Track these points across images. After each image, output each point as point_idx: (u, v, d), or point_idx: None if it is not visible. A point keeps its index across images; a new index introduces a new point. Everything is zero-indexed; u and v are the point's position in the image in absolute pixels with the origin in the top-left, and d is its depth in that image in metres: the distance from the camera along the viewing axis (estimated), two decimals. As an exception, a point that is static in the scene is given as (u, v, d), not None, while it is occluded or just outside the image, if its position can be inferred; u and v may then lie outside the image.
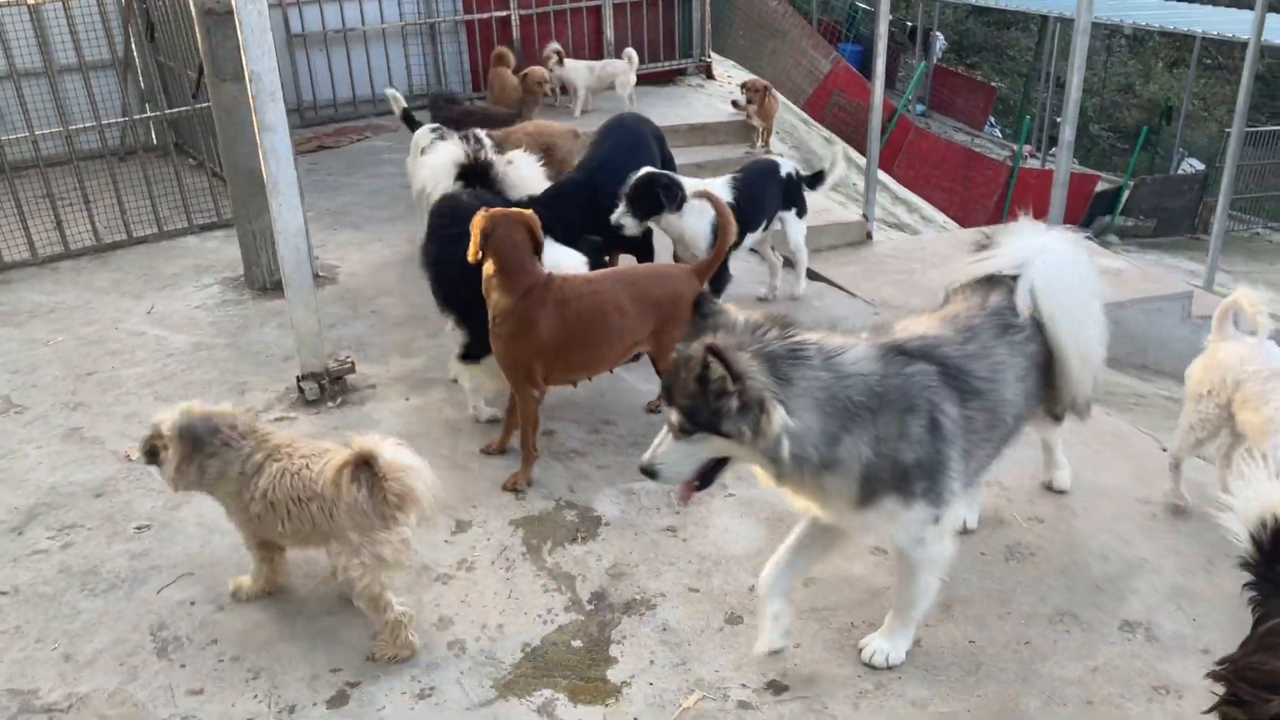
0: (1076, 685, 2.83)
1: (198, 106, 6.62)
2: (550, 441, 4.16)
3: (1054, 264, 2.99)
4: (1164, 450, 3.93)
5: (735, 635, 3.09)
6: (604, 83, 9.17)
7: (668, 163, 5.38)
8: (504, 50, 8.67)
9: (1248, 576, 2.24)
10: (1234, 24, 20.40)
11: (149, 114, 7.44)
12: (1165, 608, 3.09)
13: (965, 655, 2.96)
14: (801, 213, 5.65)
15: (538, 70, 7.95)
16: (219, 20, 5.15)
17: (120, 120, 7.37)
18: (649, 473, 2.59)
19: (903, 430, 2.56)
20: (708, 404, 2.44)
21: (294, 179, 4.22)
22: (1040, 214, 5.74)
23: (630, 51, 9.34)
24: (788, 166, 5.66)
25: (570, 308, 3.70)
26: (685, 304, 3.44)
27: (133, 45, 8.05)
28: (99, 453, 4.20)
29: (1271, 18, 21.47)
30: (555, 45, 9.12)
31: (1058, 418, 3.38)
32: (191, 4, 5.24)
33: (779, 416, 2.42)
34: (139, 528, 3.70)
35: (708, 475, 2.63)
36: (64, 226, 6.35)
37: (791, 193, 5.54)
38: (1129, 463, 3.85)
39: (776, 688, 2.89)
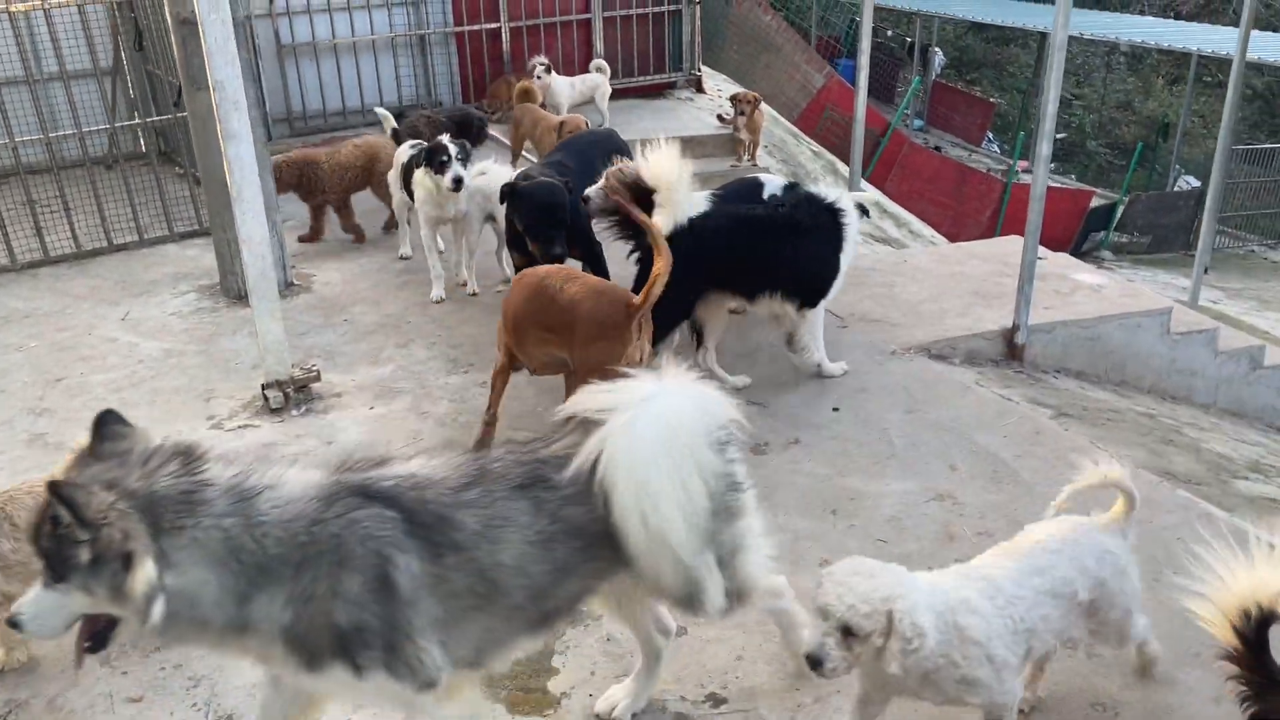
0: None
1: (179, 115, 6.65)
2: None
3: (639, 423, 2.25)
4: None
5: (677, 648, 3.08)
6: (585, 96, 9.19)
7: None
8: (530, 85, 8.46)
9: (1231, 670, 2.15)
10: (1229, 42, 20.45)
11: (132, 121, 7.46)
12: (1107, 624, 3.09)
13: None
14: None
15: (575, 119, 7.73)
16: (194, 30, 5.16)
17: (103, 128, 7.40)
18: (12, 624, 2.08)
19: (335, 588, 2.08)
20: (59, 551, 1.97)
21: (258, 188, 4.25)
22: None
23: (601, 62, 9.36)
24: (772, 186, 5.27)
25: (532, 294, 3.84)
26: (604, 329, 3.55)
27: (122, 54, 8.09)
28: (60, 458, 4.20)
29: (1264, 35, 21.60)
30: (542, 58, 9.16)
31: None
32: (168, 13, 5.27)
33: (145, 574, 1.94)
34: (94, 534, 3.71)
35: (99, 634, 2.08)
36: (44, 234, 6.39)
37: None
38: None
39: (715, 700, 2.90)
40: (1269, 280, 19.15)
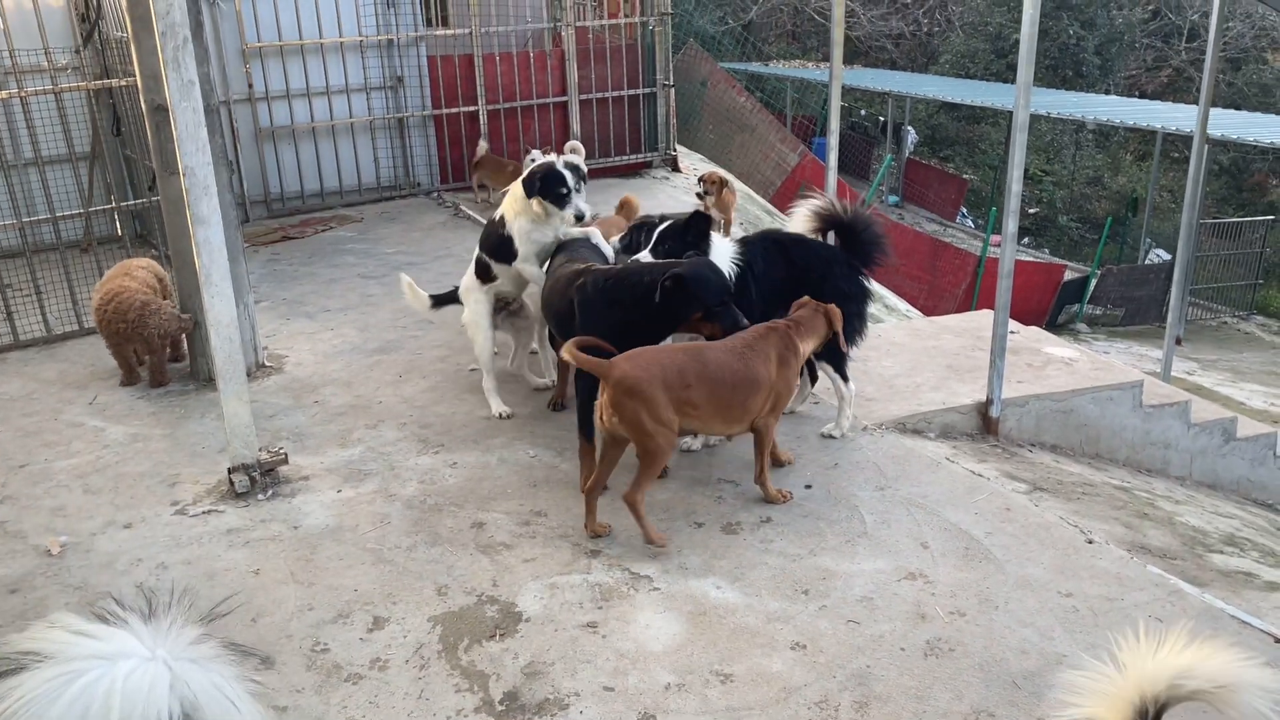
0: (988, 788, 2.76)
1: (154, 199, 6.69)
2: (480, 533, 4.12)
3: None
4: (1089, 542, 3.91)
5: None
6: None
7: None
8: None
9: None
10: (1192, 120, 20.98)
11: (107, 205, 7.50)
12: (1082, 706, 3.03)
13: (878, 756, 2.90)
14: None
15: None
16: (167, 116, 5.22)
17: (76, 213, 7.43)
18: None
19: None
20: None
21: (227, 271, 4.25)
22: (1011, 299, 5.82)
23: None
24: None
25: None
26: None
27: (100, 139, 8.16)
28: (20, 547, 4.13)
29: (1225, 113, 22.19)
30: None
31: None
32: (141, 100, 5.33)
33: None
34: (50, 625, 3.62)
35: None
36: (14, 318, 6.35)
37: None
38: (1053, 554, 3.83)
39: (684, 792, 2.82)
40: (1242, 351, 19.38)
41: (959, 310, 16.10)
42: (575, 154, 9.29)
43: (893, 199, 25.36)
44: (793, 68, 28.12)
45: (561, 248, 4.94)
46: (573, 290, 4.34)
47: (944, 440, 5.36)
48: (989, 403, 5.79)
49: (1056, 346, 7.78)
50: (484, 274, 5.22)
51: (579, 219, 4.85)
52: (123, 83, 6.97)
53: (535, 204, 4.86)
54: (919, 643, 3.34)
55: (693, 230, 4.56)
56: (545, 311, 4.81)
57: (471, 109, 10.18)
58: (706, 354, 3.90)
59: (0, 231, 6.50)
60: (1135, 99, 27.11)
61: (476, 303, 5.23)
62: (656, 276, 4.08)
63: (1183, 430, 7.12)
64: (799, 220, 5.25)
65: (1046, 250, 24.33)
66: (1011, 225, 6.76)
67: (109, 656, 1.65)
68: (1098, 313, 19.98)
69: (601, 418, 3.82)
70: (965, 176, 27.56)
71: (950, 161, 29.30)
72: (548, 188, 4.81)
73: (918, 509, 4.14)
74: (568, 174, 4.83)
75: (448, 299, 5.51)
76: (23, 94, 6.36)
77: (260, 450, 4.53)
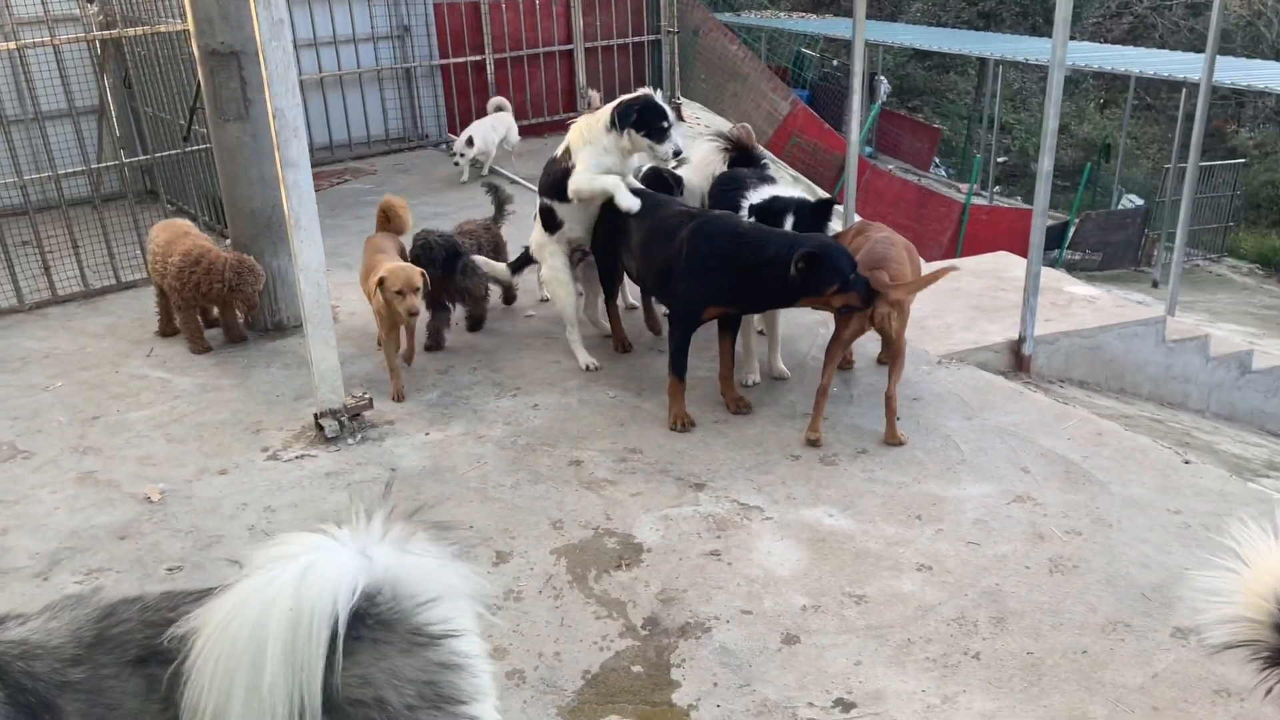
0: (1139, 692, 2.88)
1: (188, 150, 6.56)
2: (579, 470, 4.16)
3: (241, 606, 1.69)
4: (1186, 463, 4.05)
5: (794, 655, 3.10)
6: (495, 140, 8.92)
7: None
8: None
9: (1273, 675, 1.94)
10: (1167, 65, 21.26)
11: (137, 159, 7.33)
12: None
13: (1026, 666, 3.00)
14: None
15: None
16: (222, 61, 5.14)
17: (111, 164, 7.26)
18: None
19: None
20: None
21: (315, 215, 4.21)
22: (994, 246, 5.91)
23: (502, 99, 9.16)
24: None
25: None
26: None
27: (108, 93, 7.96)
28: (117, 495, 4.11)
29: (1200, 58, 22.43)
30: (595, 93, 9.19)
31: None
32: (195, 46, 5.21)
33: None
34: (170, 569, 3.63)
35: None
36: (51, 272, 6.24)
37: None
38: (1154, 475, 3.95)
39: (844, 705, 2.91)
40: (1216, 293, 19.82)
41: (944, 258, 16.29)
42: (502, 110, 8.99)
43: (868, 150, 25.41)
44: (765, 18, 27.95)
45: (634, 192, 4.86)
46: (686, 235, 4.35)
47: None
48: (1021, 340, 5.89)
49: (1077, 285, 7.91)
50: (549, 222, 5.14)
51: (677, 154, 4.71)
52: (136, 32, 6.80)
53: (625, 138, 4.71)
54: (1042, 560, 3.45)
55: (819, 216, 4.65)
56: (636, 254, 4.75)
57: (479, 58, 10.06)
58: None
59: (31, 187, 6.33)
60: (1104, 45, 27.28)
61: (552, 255, 5.13)
62: (791, 247, 4.15)
63: (1202, 364, 7.29)
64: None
65: (1019, 198, 24.58)
66: (1047, 163, 6.83)
67: (296, 556, 1.72)
68: (1077, 258, 20.29)
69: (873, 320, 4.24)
70: (936, 126, 27.68)
71: (919, 111, 29.38)
72: (646, 120, 4.62)
73: (1010, 436, 4.25)
74: (666, 107, 4.72)
75: (523, 262, 5.45)
76: (42, 43, 6.18)
77: (346, 395, 4.52)
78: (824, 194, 6.60)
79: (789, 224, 4.56)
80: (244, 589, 1.68)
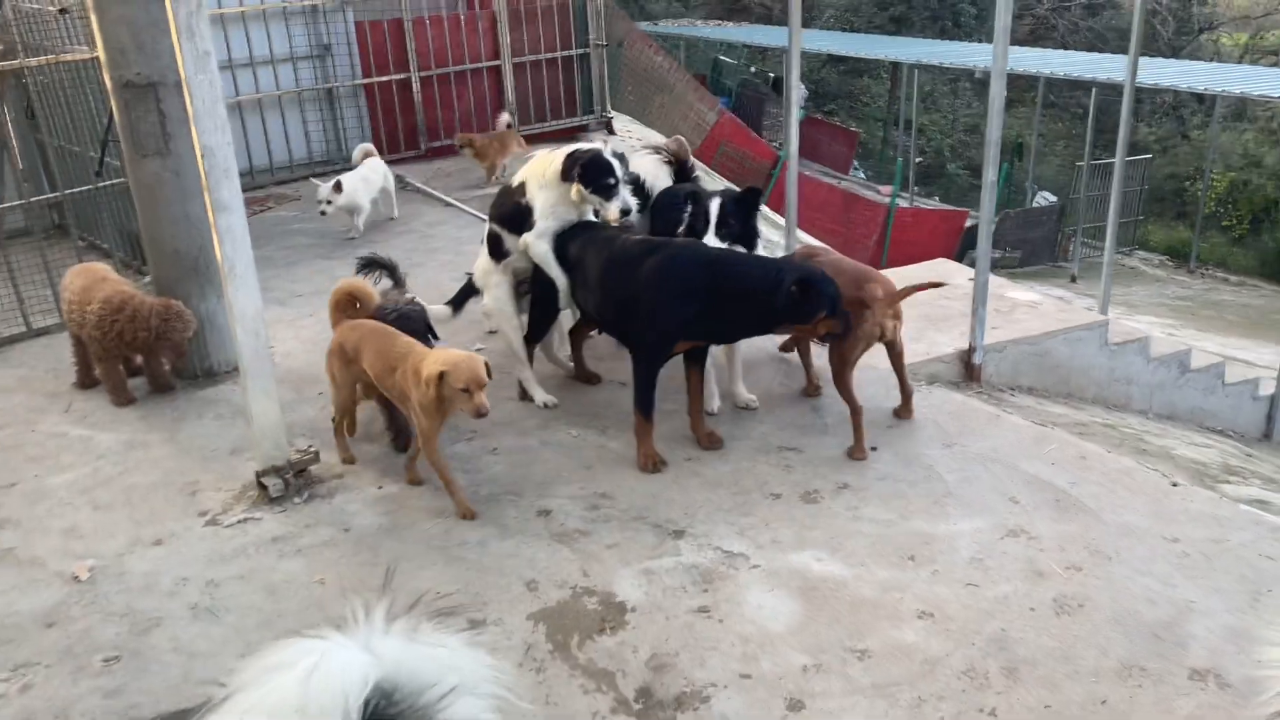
0: (1165, 741, 2.75)
1: (101, 185, 6.14)
2: (549, 521, 3.92)
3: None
4: (1174, 485, 3.96)
5: (802, 721, 2.91)
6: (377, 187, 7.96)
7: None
8: None
9: None
10: (1072, 65, 21.82)
11: (45, 196, 6.84)
12: (1227, 651, 3.06)
13: (1045, 720, 2.85)
14: None
15: None
16: (139, 94, 4.78)
17: (2, 206, 6.77)
18: None
19: None
20: None
21: (251, 261, 3.90)
22: (920, 247, 5.83)
23: (368, 146, 8.31)
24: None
25: None
26: None
27: (9, 125, 7.45)
28: (41, 575, 3.74)
29: (1109, 57, 23.08)
30: (505, 114, 9.00)
31: None
32: (107, 77, 4.83)
33: None
34: (107, 659, 3.28)
35: None
36: (-47, 322, 5.77)
37: None
38: (1144, 500, 3.86)
39: (857, 773, 2.72)
40: (1131, 285, 20.30)
41: (871, 262, 16.36)
42: (369, 156, 8.10)
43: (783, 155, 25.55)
44: (681, 25, 27.96)
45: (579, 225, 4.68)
46: (655, 264, 4.14)
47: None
48: (971, 350, 5.83)
49: (1019, 291, 7.92)
50: (496, 250, 4.92)
51: (624, 214, 4.50)
52: (39, 61, 6.36)
53: (575, 191, 4.53)
54: (1045, 600, 3.32)
55: (746, 204, 4.52)
56: (594, 287, 4.51)
57: (403, 75, 9.72)
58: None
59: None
60: (1012, 47, 27.89)
61: (497, 285, 4.89)
62: (773, 274, 4.02)
63: (1143, 365, 7.35)
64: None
65: (936, 198, 24.94)
66: (991, 174, 6.79)
67: (294, 663, 1.57)
68: (997, 255, 20.62)
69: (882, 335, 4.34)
70: (853, 130, 27.97)
71: (835, 115, 29.69)
72: (592, 177, 4.44)
73: (993, 463, 4.13)
74: (615, 163, 4.49)
75: (465, 295, 5.17)
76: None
77: (290, 449, 4.21)
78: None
79: (714, 210, 4.47)
80: (241, 703, 1.54)
